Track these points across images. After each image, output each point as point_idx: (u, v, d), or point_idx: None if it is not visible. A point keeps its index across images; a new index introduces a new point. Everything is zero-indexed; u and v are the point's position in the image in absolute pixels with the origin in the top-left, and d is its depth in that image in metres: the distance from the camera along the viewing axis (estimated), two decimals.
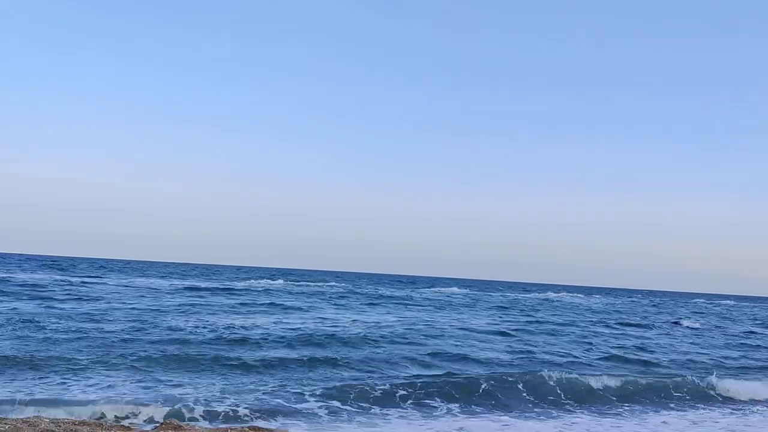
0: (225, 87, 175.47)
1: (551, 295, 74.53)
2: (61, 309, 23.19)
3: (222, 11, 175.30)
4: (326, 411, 10.92)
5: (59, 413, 9.17)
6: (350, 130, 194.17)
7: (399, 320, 26.75)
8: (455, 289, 73.98)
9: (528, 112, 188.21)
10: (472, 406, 12.26)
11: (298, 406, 11.04)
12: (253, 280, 61.62)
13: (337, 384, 12.60)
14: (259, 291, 44.10)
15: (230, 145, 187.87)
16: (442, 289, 74.52)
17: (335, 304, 35.08)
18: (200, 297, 34.21)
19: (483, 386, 13.29)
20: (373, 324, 24.24)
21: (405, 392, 12.46)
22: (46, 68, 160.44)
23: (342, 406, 11.30)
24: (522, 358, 18.42)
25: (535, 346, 21.09)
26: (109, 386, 11.38)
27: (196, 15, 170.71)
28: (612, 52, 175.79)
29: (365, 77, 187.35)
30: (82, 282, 41.03)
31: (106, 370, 12.67)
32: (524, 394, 13.37)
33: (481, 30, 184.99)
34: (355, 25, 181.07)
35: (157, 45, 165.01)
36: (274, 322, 23.05)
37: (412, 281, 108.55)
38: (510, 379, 14.03)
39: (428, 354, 17.43)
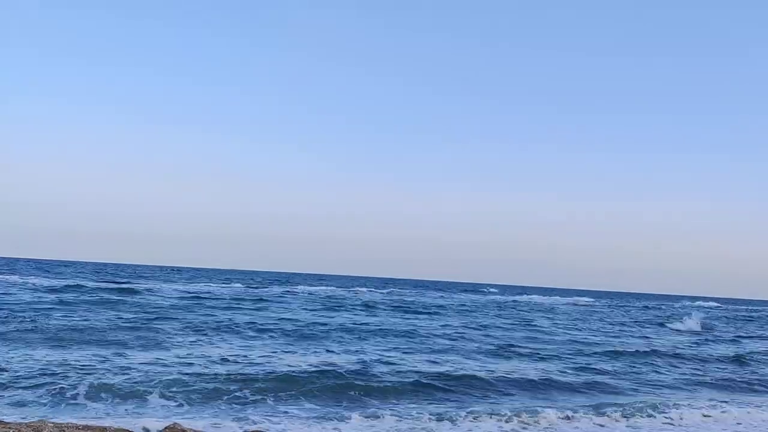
0: (216, 88, 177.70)
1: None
2: None
3: (210, 14, 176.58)
4: None
5: None
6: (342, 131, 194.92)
7: None
8: (587, 299, 73.41)
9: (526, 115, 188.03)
10: None
11: None
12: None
13: None
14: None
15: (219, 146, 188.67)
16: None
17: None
18: None
19: None
20: None
21: None
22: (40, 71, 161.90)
23: None
24: None
25: None
26: None
27: (184, 17, 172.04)
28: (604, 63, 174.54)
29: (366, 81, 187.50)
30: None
31: None
32: None
33: (466, 35, 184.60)
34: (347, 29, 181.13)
35: (148, 46, 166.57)
36: None
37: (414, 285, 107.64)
38: None
39: None
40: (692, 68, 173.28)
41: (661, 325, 36.68)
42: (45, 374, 11.73)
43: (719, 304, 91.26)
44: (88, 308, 24.62)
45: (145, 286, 44.35)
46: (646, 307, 64.92)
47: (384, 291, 66.38)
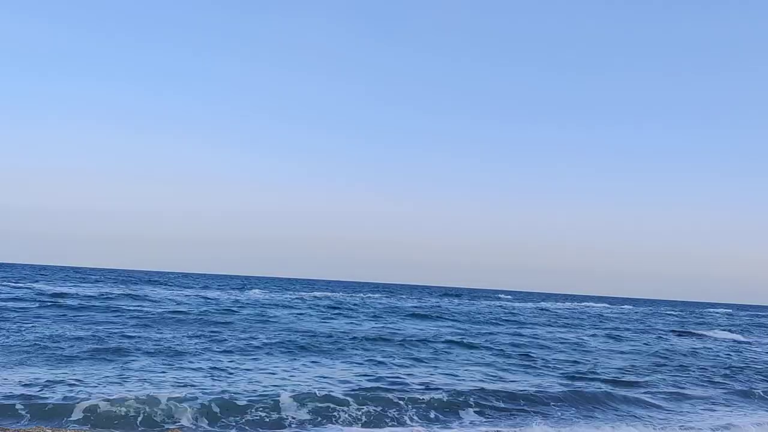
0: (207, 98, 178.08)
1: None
2: None
3: (198, 29, 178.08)
4: None
5: None
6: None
7: None
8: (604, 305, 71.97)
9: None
10: None
11: None
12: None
13: None
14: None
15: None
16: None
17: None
18: None
19: None
20: None
21: None
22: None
23: None
24: None
25: None
26: None
27: (180, 35, 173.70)
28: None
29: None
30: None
31: None
32: None
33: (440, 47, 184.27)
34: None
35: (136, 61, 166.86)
36: None
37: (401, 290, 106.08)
38: None
39: None
40: (702, 74, 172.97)
41: (689, 332, 35.42)
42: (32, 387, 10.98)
43: (731, 311, 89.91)
44: (89, 315, 23.95)
45: (151, 292, 43.56)
46: (647, 312, 63.39)
47: (396, 297, 65.38)
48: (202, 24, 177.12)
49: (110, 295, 35.98)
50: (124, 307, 28.19)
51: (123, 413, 9.60)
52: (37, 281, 51.69)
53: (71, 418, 9.30)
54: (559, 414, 11.64)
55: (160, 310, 27.52)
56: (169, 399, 10.21)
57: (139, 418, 9.49)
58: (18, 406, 9.56)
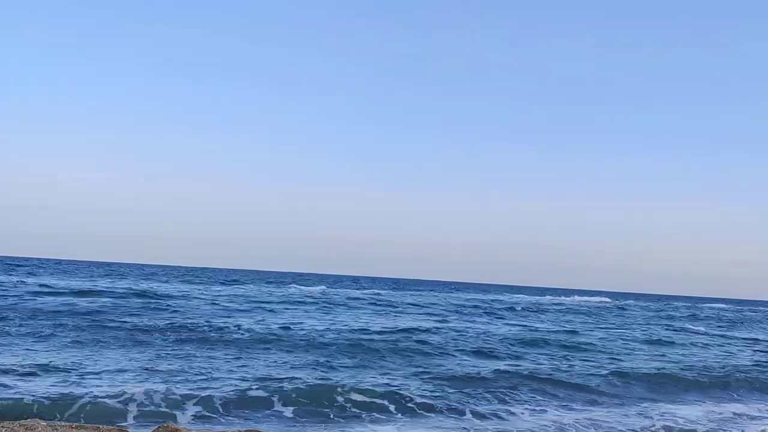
0: (223, 88, 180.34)
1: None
2: None
3: (214, 13, 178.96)
4: None
5: None
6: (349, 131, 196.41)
7: None
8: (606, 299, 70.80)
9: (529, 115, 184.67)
10: None
11: None
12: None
13: None
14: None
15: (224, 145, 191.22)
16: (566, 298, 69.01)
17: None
18: None
19: None
20: None
21: None
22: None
23: None
24: None
25: None
26: None
27: (189, 16, 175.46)
28: (610, 58, 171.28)
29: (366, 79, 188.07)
30: None
31: None
32: None
33: (477, 31, 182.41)
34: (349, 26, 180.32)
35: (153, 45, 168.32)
36: None
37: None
38: None
39: None
40: (701, 65, 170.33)
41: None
42: None
43: (727, 305, 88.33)
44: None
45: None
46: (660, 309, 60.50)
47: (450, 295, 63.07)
48: (206, 16, 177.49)
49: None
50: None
51: None
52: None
53: None
54: None
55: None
56: None
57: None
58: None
